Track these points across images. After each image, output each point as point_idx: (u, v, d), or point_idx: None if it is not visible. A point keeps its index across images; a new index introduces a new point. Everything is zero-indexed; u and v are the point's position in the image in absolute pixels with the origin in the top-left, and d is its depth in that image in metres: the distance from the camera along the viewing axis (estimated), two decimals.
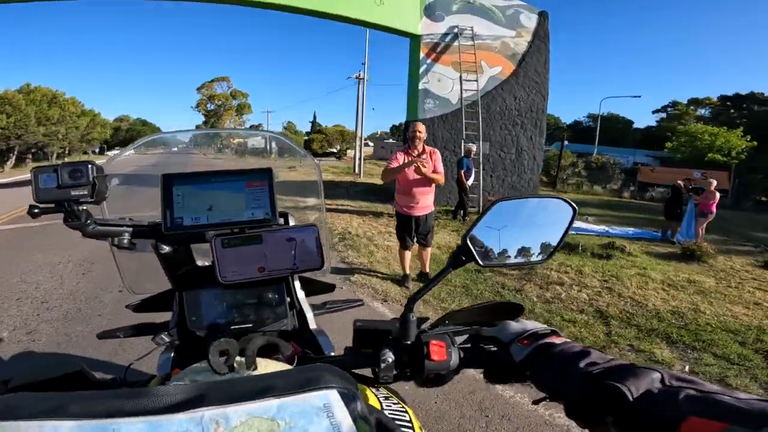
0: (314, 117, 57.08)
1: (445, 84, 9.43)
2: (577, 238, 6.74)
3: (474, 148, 8.19)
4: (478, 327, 0.65)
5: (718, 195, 7.77)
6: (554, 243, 0.67)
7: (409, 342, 0.60)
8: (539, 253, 0.67)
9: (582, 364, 0.47)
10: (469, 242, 0.62)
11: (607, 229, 8.63)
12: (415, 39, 9.35)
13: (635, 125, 42.95)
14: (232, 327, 0.79)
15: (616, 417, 0.41)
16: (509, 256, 0.66)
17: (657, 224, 9.59)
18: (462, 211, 8.14)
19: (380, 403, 0.57)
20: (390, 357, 0.58)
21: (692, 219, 7.91)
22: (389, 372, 0.58)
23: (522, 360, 0.54)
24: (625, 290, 4.34)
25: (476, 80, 9.09)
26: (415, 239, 4.06)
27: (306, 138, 48.23)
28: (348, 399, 0.31)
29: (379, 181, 17.22)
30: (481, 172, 8.89)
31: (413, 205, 3.86)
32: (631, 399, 0.39)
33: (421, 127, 3.74)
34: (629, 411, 0.39)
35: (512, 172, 10.14)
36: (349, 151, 48.60)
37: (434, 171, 3.75)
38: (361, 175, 18.87)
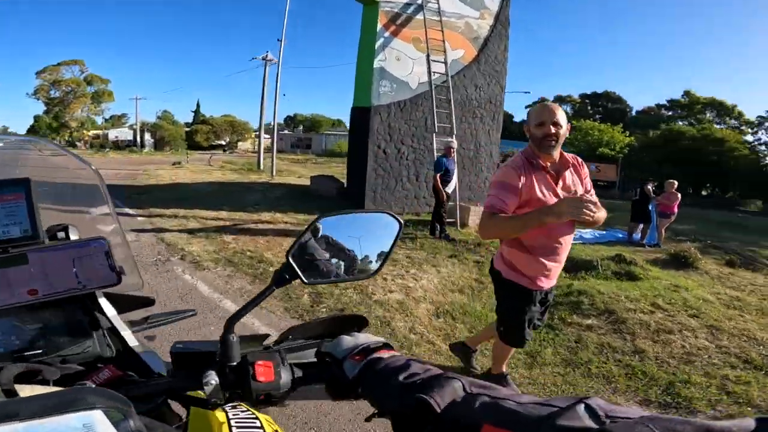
0: (197, 106, 51.96)
1: (405, 64, 7.83)
2: (591, 255, 5.93)
3: (454, 144, 6.58)
4: (321, 342, 0.65)
5: (678, 196, 7.86)
6: (381, 259, 0.69)
7: (234, 363, 0.58)
8: (366, 269, 0.69)
9: (402, 377, 0.48)
10: (291, 260, 0.61)
11: (580, 233, 8.24)
12: (371, 5, 7.50)
13: (514, 119, 47.26)
14: (17, 354, 0.70)
15: (431, 429, 0.41)
16: (336, 273, 0.68)
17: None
18: (439, 226, 6.55)
19: (226, 413, 0.52)
20: (214, 379, 0.55)
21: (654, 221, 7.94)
22: (217, 394, 0.56)
23: (354, 376, 0.54)
24: (717, 322, 3.47)
25: (445, 62, 7.64)
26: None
27: (187, 129, 42.67)
28: (116, 419, 0.30)
29: (301, 181, 14.91)
30: (456, 175, 6.74)
31: (547, 273, 2.04)
32: (438, 410, 0.40)
33: (560, 113, 1.89)
34: (439, 422, 0.40)
35: (470, 171, 9.08)
36: (241, 144, 44.16)
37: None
38: (274, 173, 16.12)
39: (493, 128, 9.29)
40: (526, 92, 58.73)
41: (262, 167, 18.24)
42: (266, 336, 0.71)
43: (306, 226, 0.65)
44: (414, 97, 7.97)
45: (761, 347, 3.09)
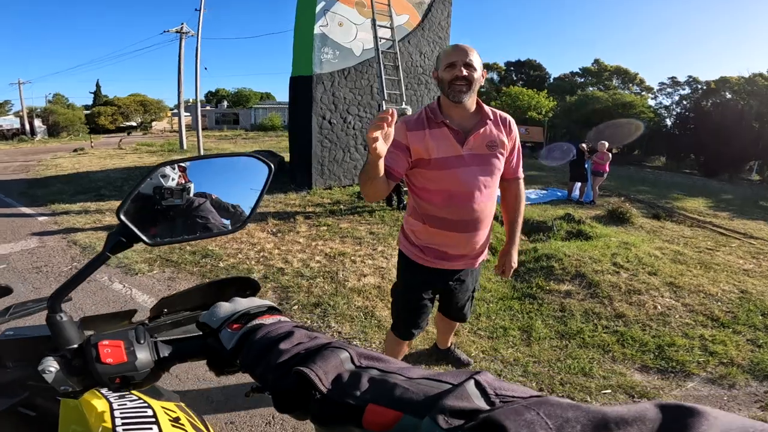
0: (97, 86, 46.66)
1: (348, 30, 7.17)
2: (543, 216, 6.10)
3: (409, 111, 6.23)
4: (199, 312, 0.60)
5: (610, 155, 8.42)
6: (248, 209, 0.62)
7: (75, 346, 0.51)
8: (229, 222, 0.62)
9: (284, 347, 0.43)
10: (124, 218, 0.52)
11: (527, 194, 8.55)
12: None
13: None
14: None
15: (313, 407, 0.37)
16: (191, 230, 0.59)
17: (538, 182, 10.32)
18: (396, 196, 6.33)
19: (110, 403, 0.50)
20: (52, 366, 0.49)
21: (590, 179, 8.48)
22: (64, 382, 0.49)
23: (232, 348, 0.48)
24: (673, 279, 3.70)
25: (391, 26, 7.10)
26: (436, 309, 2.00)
27: (87, 112, 37.81)
28: None
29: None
30: None
31: (451, 251, 1.65)
32: (322, 386, 0.36)
33: (474, 55, 1.49)
34: (322, 399, 0.36)
35: None
36: (156, 124, 40.09)
37: (514, 171, 1.72)
38: (201, 152, 14.62)
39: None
40: None
41: (185, 147, 16.65)
42: (132, 312, 0.63)
43: (144, 175, 0.55)
44: (359, 65, 7.41)
45: (719, 303, 3.33)
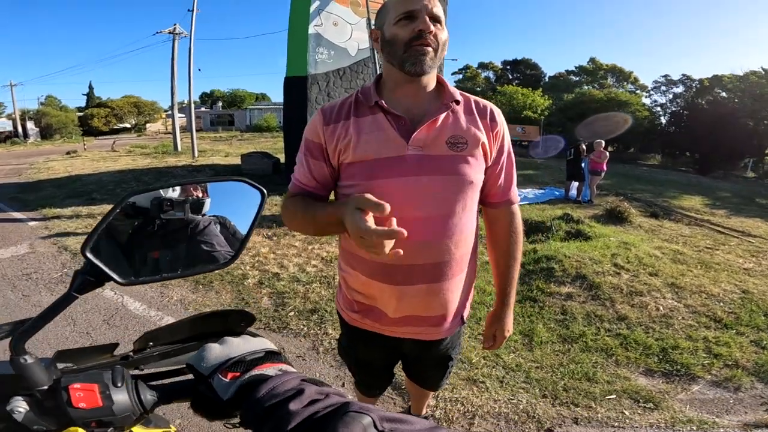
0: (90, 88, 47.87)
1: (343, 30, 7.12)
2: (541, 216, 6.06)
3: None
4: (196, 343, 0.56)
5: (607, 154, 8.40)
6: (237, 241, 0.56)
7: (45, 387, 0.47)
8: (217, 257, 0.54)
9: (294, 408, 0.39)
10: (90, 255, 0.47)
11: (524, 193, 8.53)
12: None
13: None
14: None
15: None
16: (172, 266, 0.52)
17: (534, 181, 10.32)
18: None
19: None
20: (21, 407, 0.45)
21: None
22: (36, 422, 0.45)
23: (230, 399, 0.44)
24: (674, 279, 3.67)
25: None
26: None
27: (80, 114, 37.89)
28: None
29: (229, 160, 13.53)
30: None
31: (392, 312, 1.05)
32: None
33: (437, 5, 0.92)
34: None
35: None
36: (150, 126, 40.03)
37: (503, 192, 1.10)
38: (196, 154, 14.51)
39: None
40: (453, 59, 60.01)
41: (179, 148, 16.55)
42: (114, 345, 0.57)
43: (112, 207, 0.51)
44: (354, 65, 7.37)
45: (721, 303, 3.30)
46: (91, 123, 35.52)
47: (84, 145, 19.48)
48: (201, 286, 3.55)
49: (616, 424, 1.99)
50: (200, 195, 0.56)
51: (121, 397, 0.47)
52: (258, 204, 0.57)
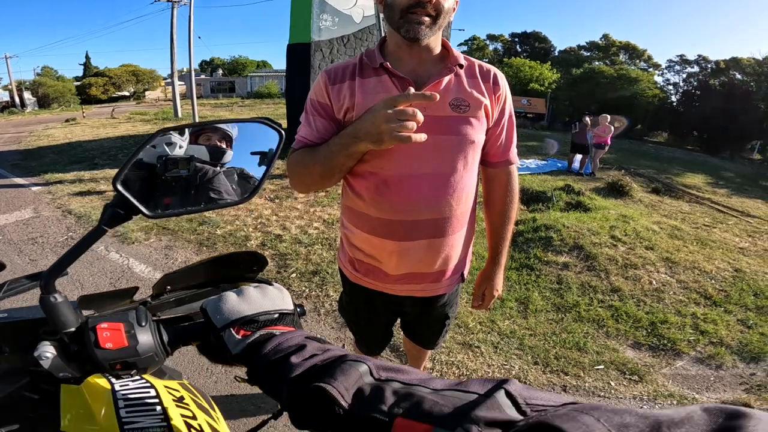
0: (86, 58, 47.44)
1: None
2: (542, 186, 6.05)
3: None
4: (210, 289, 0.60)
5: (612, 128, 8.30)
6: (257, 177, 0.59)
7: (73, 329, 0.48)
8: (237, 192, 0.58)
9: (295, 360, 0.41)
10: (120, 188, 0.48)
11: (527, 164, 8.51)
12: None
13: None
14: None
15: (335, 423, 0.36)
16: (195, 200, 0.55)
17: (541, 152, 10.24)
18: None
19: (111, 384, 0.46)
20: (49, 352, 0.46)
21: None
22: (63, 368, 0.47)
23: (238, 354, 0.46)
24: (669, 254, 3.71)
25: None
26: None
27: (78, 83, 37.38)
28: None
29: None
30: None
31: (389, 269, 1.10)
32: (343, 401, 0.35)
33: None
34: (344, 415, 0.35)
35: None
36: (149, 93, 39.44)
37: (503, 152, 1.12)
38: (196, 119, 14.35)
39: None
40: (460, 29, 57.62)
41: (180, 115, 16.40)
42: (134, 290, 0.60)
43: (144, 141, 0.51)
44: (359, 32, 7.16)
45: (713, 281, 3.35)
46: (89, 92, 35.12)
47: (83, 112, 19.20)
48: (205, 248, 3.63)
49: (602, 394, 2.08)
50: (224, 145, 0.58)
51: (145, 337, 0.49)
52: (276, 144, 0.60)
